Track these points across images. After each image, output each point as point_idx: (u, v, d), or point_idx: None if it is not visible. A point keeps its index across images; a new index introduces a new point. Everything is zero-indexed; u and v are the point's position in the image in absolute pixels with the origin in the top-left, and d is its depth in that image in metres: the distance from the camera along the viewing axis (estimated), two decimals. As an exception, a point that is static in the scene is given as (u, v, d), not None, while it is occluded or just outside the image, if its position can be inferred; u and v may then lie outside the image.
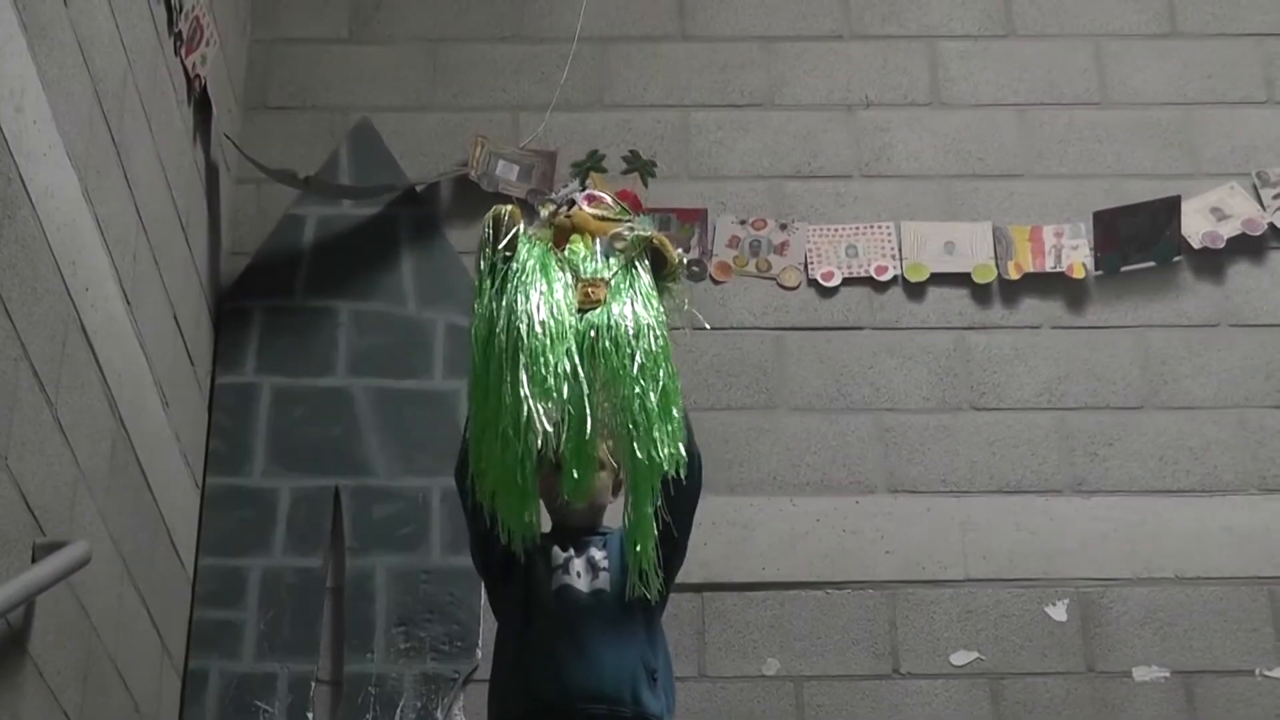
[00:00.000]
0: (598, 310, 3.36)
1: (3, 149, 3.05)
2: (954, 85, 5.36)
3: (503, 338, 3.29)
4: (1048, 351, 5.00)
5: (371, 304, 5.00)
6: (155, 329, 4.20)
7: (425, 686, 4.55)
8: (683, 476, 3.33)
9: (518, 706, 3.45)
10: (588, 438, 3.28)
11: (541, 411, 3.22)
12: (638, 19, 5.42)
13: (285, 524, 4.71)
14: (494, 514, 3.37)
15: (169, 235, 4.34)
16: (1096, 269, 5.06)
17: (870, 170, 5.24)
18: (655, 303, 3.40)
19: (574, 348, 3.30)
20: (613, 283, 3.40)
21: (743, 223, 5.14)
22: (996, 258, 5.07)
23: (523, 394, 3.22)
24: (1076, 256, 5.06)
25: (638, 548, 3.36)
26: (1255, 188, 5.15)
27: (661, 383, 3.30)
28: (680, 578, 3.64)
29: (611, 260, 3.45)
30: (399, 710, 4.51)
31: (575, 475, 3.31)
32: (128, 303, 3.94)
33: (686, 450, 3.36)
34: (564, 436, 3.27)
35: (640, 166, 5.19)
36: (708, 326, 4.06)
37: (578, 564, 3.53)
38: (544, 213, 3.57)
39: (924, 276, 5.07)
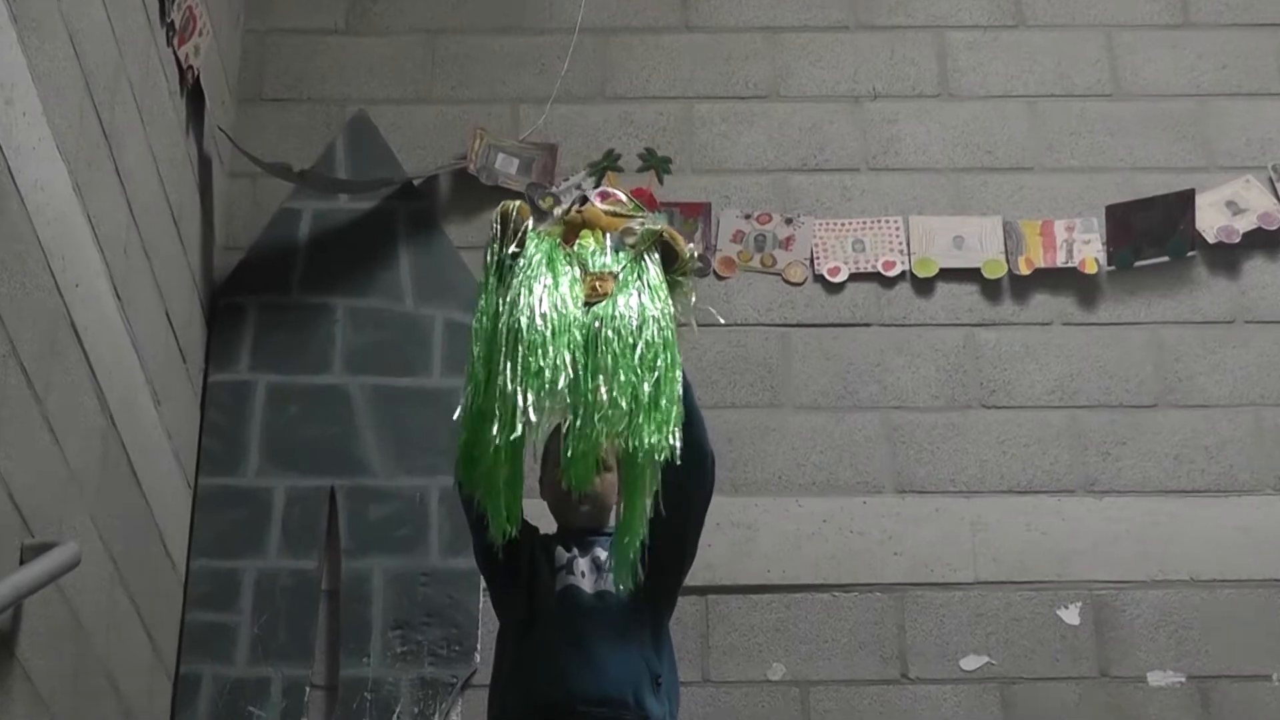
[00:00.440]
0: (604, 303, 3.33)
1: (-9, 142, 3.07)
2: (963, 77, 5.34)
3: (504, 330, 3.27)
4: (1059, 348, 4.98)
5: (368, 300, 4.98)
6: (147, 325, 4.20)
7: (422, 691, 4.53)
8: (684, 470, 3.26)
9: (518, 708, 3.44)
10: (586, 425, 3.22)
11: (532, 401, 3.18)
12: (640, 9, 5.42)
13: (280, 525, 4.71)
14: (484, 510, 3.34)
15: (161, 230, 4.34)
16: (1109, 264, 5.04)
17: (877, 163, 5.21)
18: (663, 295, 3.37)
19: (578, 340, 3.27)
20: (621, 276, 3.38)
21: (747, 217, 5.11)
22: (1007, 253, 5.05)
23: (512, 387, 3.18)
24: (1088, 251, 5.03)
25: (625, 539, 3.32)
26: (1271, 181, 5.13)
27: (658, 372, 3.26)
28: (683, 579, 3.64)
29: (621, 255, 3.43)
30: (395, 716, 4.50)
31: (570, 455, 3.24)
32: (119, 299, 3.93)
33: (700, 449, 3.36)
34: (566, 427, 3.25)
35: (656, 163, 5.17)
36: (722, 321, 4.05)
37: (582, 564, 3.53)
38: (543, 206, 3.53)
39: (933, 272, 5.04)
